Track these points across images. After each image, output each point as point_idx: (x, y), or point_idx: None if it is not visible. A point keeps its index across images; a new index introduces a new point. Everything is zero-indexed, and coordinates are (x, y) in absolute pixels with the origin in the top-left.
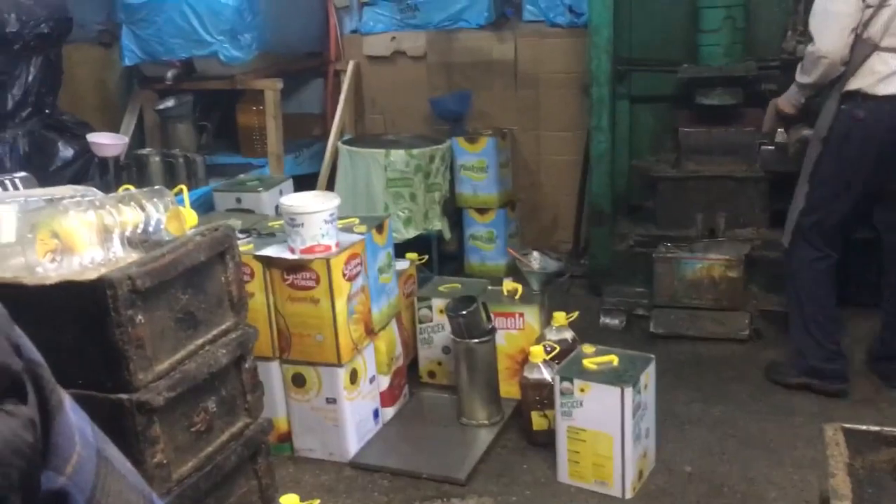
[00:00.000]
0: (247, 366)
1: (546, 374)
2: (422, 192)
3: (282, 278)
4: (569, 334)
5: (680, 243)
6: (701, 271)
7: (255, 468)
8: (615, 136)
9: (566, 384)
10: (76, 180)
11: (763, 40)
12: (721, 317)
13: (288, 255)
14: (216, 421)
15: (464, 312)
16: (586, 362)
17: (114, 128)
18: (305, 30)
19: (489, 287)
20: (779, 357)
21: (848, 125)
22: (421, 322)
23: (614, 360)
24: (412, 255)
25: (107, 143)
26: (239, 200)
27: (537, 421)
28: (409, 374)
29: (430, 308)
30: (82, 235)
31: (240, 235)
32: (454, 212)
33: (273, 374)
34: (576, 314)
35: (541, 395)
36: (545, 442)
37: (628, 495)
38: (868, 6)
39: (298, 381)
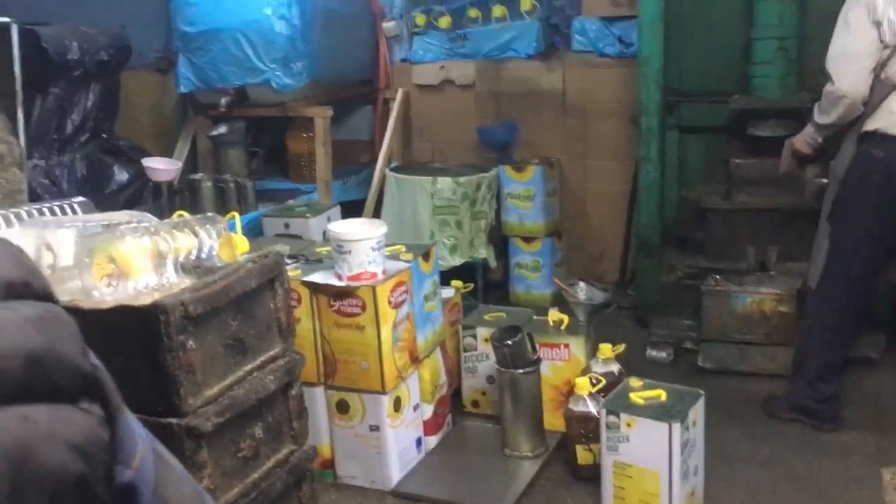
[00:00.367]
0: (293, 392)
1: (592, 407)
2: (468, 219)
3: (328, 304)
4: (615, 367)
5: (730, 276)
6: (752, 305)
7: (300, 495)
8: (664, 166)
9: (612, 418)
10: (130, 204)
11: (815, 72)
12: (772, 352)
13: (335, 282)
14: (262, 447)
15: (509, 342)
16: (633, 396)
17: (168, 153)
18: (356, 58)
19: (534, 317)
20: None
21: (866, 165)
22: (465, 351)
23: (662, 394)
24: (457, 283)
25: (161, 167)
26: (287, 226)
27: (582, 455)
28: (452, 403)
29: (474, 337)
30: (138, 261)
31: (287, 261)
32: (500, 240)
33: (317, 400)
34: (622, 347)
35: (586, 429)
36: (590, 476)
37: None
38: (886, 46)
39: (342, 407)
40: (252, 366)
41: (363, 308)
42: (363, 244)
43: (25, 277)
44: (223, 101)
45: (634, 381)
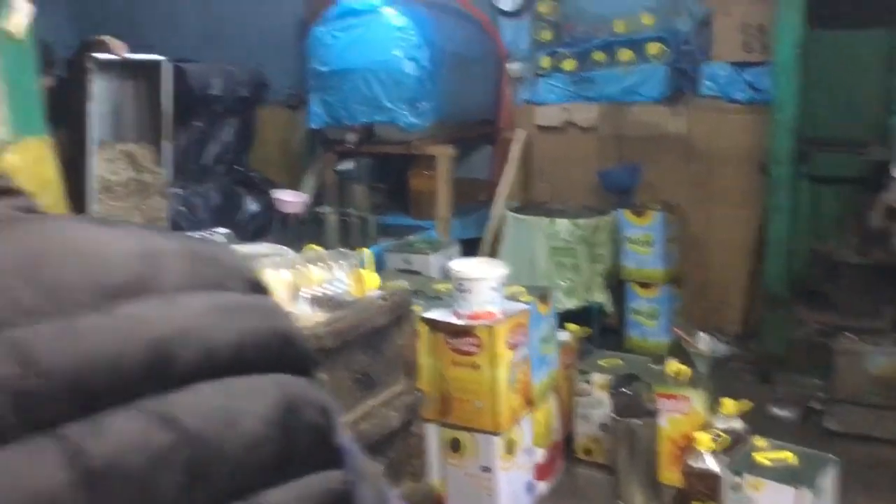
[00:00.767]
0: (414, 429)
1: (712, 465)
2: (585, 262)
3: (445, 342)
4: (738, 424)
5: (864, 335)
6: (889, 367)
7: None
8: (794, 216)
9: (737, 479)
10: (259, 233)
11: None
12: None
13: (453, 320)
14: None
15: (627, 390)
16: (758, 457)
17: (293, 185)
18: (479, 99)
19: (652, 365)
20: None
21: None
22: (579, 396)
23: (790, 457)
24: (573, 327)
25: (289, 199)
26: (407, 261)
27: None
28: (564, 449)
29: (589, 382)
30: (276, 293)
31: None
32: (617, 285)
33: (431, 437)
34: (748, 405)
35: (706, 487)
36: None
37: None
38: None
39: (455, 446)
40: (377, 401)
41: (480, 347)
42: (484, 284)
43: (257, 276)
44: (351, 137)
45: (759, 441)
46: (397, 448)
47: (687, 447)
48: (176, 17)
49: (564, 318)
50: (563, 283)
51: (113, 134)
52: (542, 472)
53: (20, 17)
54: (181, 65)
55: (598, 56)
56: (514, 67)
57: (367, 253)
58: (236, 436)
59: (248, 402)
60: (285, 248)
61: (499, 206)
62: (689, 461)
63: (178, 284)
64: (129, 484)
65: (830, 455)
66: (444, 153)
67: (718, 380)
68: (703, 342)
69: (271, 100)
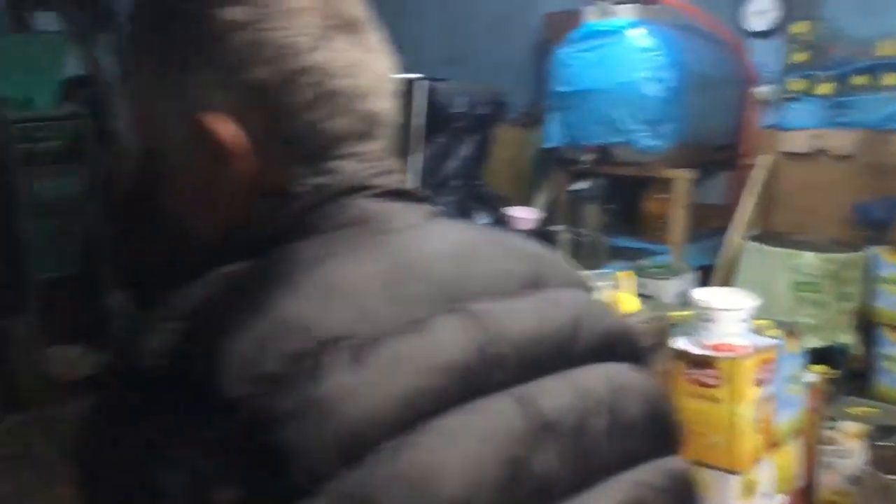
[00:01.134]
0: None
1: None
2: (832, 300)
3: (684, 371)
4: None
5: None
6: None
7: None
8: None
9: None
10: None
11: None
12: None
13: (694, 349)
14: None
15: (888, 443)
16: None
17: (522, 202)
18: (721, 122)
19: None
20: None
21: None
22: (825, 444)
23: None
24: (820, 368)
25: (522, 216)
26: (642, 286)
27: None
28: (804, 499)
29: (838, 429)
30: None
31: None
32: (866, 326)
33: None
34: None
35: None
36: None
37: None
38: None
39: None
40: None
41: (722, 380)
42: (732, 315)
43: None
44: (586, 157)
45: None
46: None
47: None
48: (421, 38)
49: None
50: (805, 319)
51: None
52: None
53: None
54: (431, 82)
55: (859, 80)
56: (761, 90)
57: (627, 276)
58: (623, 414)
59: (629, 389)
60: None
61: (735, 234)
62: None
63: (557, 281)
64: (568, 436)
65: None
66: (682, 177)
67: None
68: None
69: (506, 118)
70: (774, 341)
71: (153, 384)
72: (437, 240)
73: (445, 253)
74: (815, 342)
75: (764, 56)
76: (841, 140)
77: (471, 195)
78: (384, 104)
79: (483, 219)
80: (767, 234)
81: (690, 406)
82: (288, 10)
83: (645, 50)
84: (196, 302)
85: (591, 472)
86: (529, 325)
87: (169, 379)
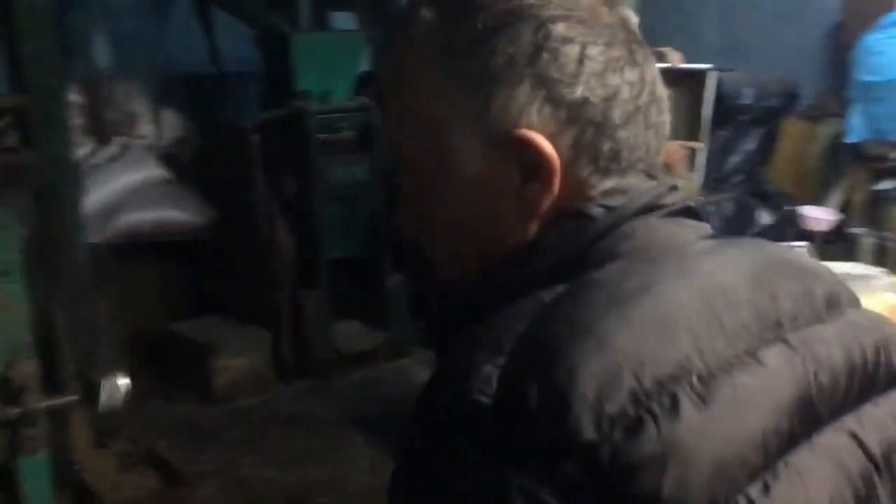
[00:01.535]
0: None
1: None
2: None
3: None
4: None
5: None
6: None
7: None
8: None
9: None
10: None
11: None
12: None
13: None
14: None
15: None
16: None
17: (807, 201)
18: None
19: None
20: None
21: None
22: None
23: None
24: None
25: (817, 217)
26: None
27: None
28: None
29: None
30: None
31: None
32: None
33: None
34: None
35: None
36: None
37: None
38: None
39: None
40: None
41: None
42: None
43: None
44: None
45: None
46: None
47: None
48: (693, 28)
49: None
50: None
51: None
52: None
53: None
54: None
55: None
56: None
57: None
58: None
59: None
60: (873, 268)
61: None
62: None
63: (847, 299)
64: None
65: None
66: None
67: None
68: None
69: (795, 111)
70: None
71: (480, 426)
72: (734, 263)
73: (748, 276)
74: None
75: None
76: None
77: (753, 192)
78: (665, 117)
79: (765, 218)
80: None
81: None
82: (605, 25)
83: None
84: (518, 334)
85: None
86: (841, 352)
87: (502, 420)
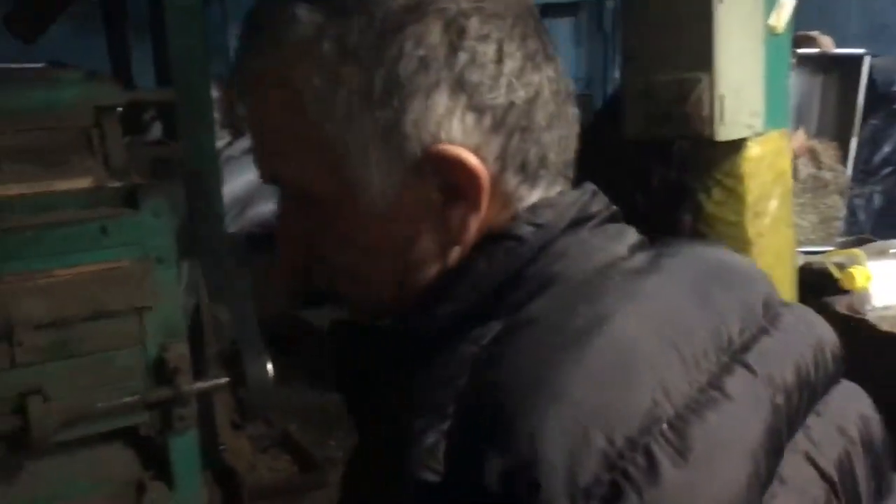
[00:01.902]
0: None
1: None
2: None
3: None
4: None
5: None
6: None
7: None
8: None
9: None
10: None
11: None
12: None
13: None
14: None
15: None
16: None
17: None
18: None
19: None
20: None
21: None
22: None
23: None
24: None
25: None
26: None
27: None
28: None
29: None
30: None
31: None
32: None
33: None
34: None
35: None
36: None
37: None
38: None
39: None
40: None
41: None
42: None
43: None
44: None
45: None
46: None
47: None
48: (835, 9)
49: None
50: None
51: (793, 129)
52: None
53: (784, 11)
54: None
55: None
56: None
57: None
58: (877, 436)
59: (869, 418)
60: None
61: None
62: None
63: (775, 296)
64: (848, 488)
65: None
66: None
67: None
68: None
69: None
70: None
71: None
72: (673, 279)
73: (691, 292)
74: None
75: None
76: None
77: None
78: (576, 111)
79: None
80: None
81: None
82: (515, 15)
83: None
84: (461, 390)
85: None
86: (792, 368)
87: (456, 502)
